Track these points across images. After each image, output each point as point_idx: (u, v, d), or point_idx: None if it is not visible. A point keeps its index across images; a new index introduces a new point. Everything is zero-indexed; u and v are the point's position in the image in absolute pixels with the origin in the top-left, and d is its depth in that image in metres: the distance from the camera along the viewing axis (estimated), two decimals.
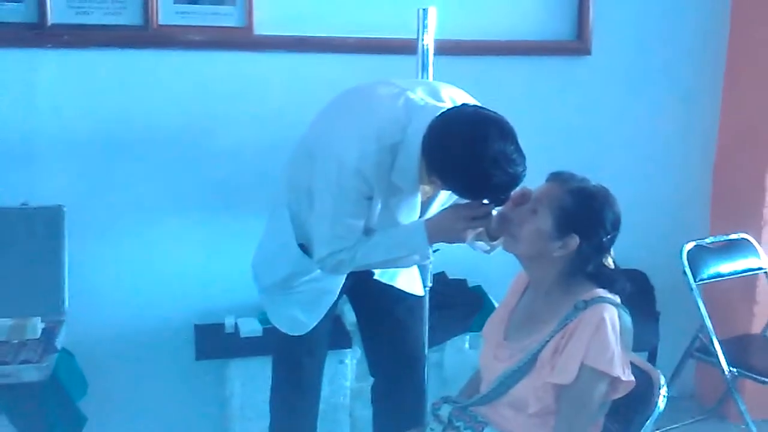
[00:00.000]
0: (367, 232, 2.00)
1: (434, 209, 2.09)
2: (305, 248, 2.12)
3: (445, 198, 2.09)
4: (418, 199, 2.04)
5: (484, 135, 1.76)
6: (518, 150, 1.79)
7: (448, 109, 1.88)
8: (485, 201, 1.88)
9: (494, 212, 1.90)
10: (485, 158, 1.75)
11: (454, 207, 1.98)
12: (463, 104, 1.93)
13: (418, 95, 1.95)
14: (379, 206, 1.98)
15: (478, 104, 1.94)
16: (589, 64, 3.08)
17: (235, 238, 2.75)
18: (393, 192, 1.97)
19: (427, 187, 2.02)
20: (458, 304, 2.89)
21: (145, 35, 2.62)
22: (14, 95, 2.58)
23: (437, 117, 1.85)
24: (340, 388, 2.76)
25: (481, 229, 1.94)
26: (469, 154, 1.77)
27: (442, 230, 1.95)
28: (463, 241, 1.95)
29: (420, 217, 2.06)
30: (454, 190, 1.91)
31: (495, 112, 1.83)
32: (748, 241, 3.07)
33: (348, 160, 1.89)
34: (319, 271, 2.10)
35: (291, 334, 2.25)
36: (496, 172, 1.76)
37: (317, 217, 2.00)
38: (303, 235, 2.12)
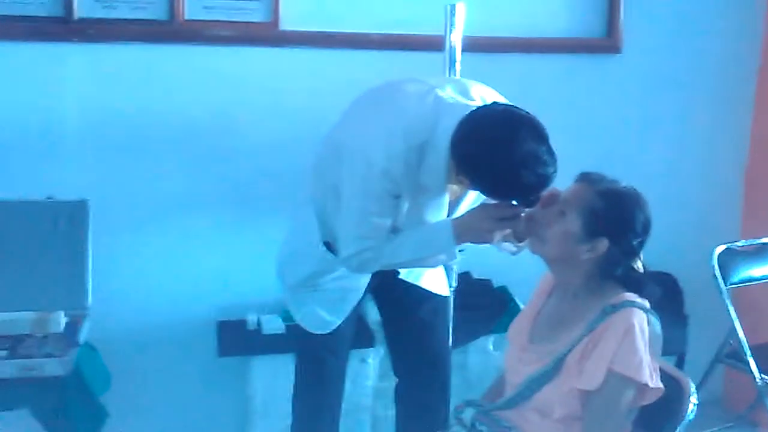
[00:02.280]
0: (394, 231, 1.99)
1: (462, 209, 2.06)
2: (330, 246, 2.11)
3: (473, 198, 2.06)
4: (446, 198, 2.01)
5: (514, 135, 1.74)
6: (549, 151, 1.76)
7: (478, 108, 1.85)
8: (514, 202, 1.85)
9: (523, 213, 1.86)
10: (515, 159, 1.72)
11: (482, 207, 1.95)
12: (494, 103, 1.90)
13: (448, 93, 1.93)
14: (407, 205, 1.96)
15: (509, 103, 1.90)
16: (620, 63, 3.03)
17: (258, 234, 2.74)
18: (420, 191, 1.95)
19: (455, 187, 1.99)
20: (483, 305, 2.86)
21: (171, 30, 2.61)
22: (40, 89, 2.58)
23: (467, 116, 1.82)
24: (362, 388, 2.75)
25: (508, 230, 1.90)
26: (498, 154, 1.74)
27: (469, 230, 1.92)
28: (490, 241, 1.92)
29: (447, 216, 2.04)
30: (483, 191, 1.88)
31: (526, 112, 1.80)
32: None
33: (376, 159, 1.87)
34: (343, 269, 2.08)
35: (315, 332, 2.23)
36: (526, 173, 1.73)
37: (344, 215, 1.99)
38: (328, 233, 2.10)
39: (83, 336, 2.35)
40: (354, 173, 1.93)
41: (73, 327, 2.32)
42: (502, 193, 1.84)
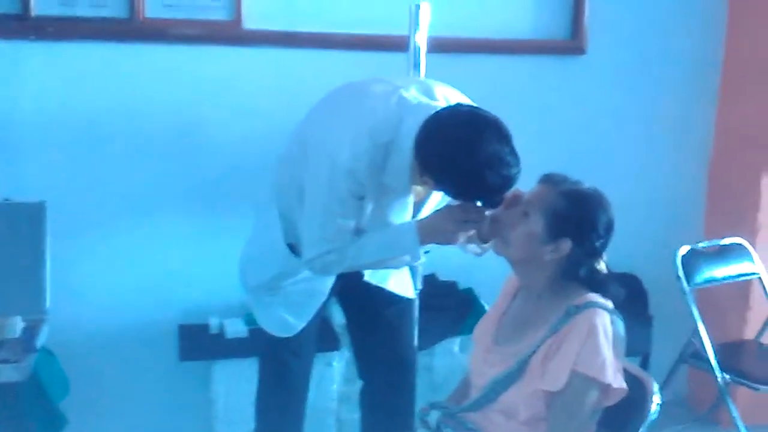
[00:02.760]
0: (358, 232, 1.97)
1: (426, 211, 2.06)
2: (294, 248, 2.09)
3: (437, 200, 2.06)
4: (410, 199, 2.01)
5: (478, 136, 1.74)
6: (513, 152, 1.76)
7: (442, 109, 1.85)
8: (478, 203, 1.84)
9: (487, 214, 1.85)
10: (479, 160, 1.73)
11: (446, 208, 1.94)
12: (458, 104, 1.90)
13: (412, 93, 1.93)
14: (371, 206, 1.94)
15: (473, 104, 1.90)
16: (584, 64, 3.05)
17: (221, 236, 2.71)
18: (385, 192, 1.94)
19: (419, 188, 1.99)
20: (448, 306, 2.86)
21: (131, 28, 2.58)
22: None
23: (431, 116, 1.82)
24: (326, 392, 2.72)
25: (472, 231, 1.90)
26: (462, 155, 1.74)
27: (433, 231, 1.92)
28: (454, 243, 1.93)
29: (412, 218, 2.02)
30: (447, 192, 1.88)
31: (490, 113, 1.80)
32: (742, 245, 3.05)
33: (340, 159, 1.86)
34: (307, 271, 2.06)
35: (279, 335, 2.21)
36: (490, 174, 1.73)
37: (307, 217, 1.97)
38: (292, 235, 2.08)
39: (41, 341, 2.30)
40: (318, 173, 1.91)
41: (30, 332, 2.28)
42: (467, 194, 1.84)
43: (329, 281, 2.17)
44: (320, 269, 2.02)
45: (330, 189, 1.90)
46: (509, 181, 1.76)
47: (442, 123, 1.81)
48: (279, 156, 2.11)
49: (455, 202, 1.91)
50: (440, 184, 1.86)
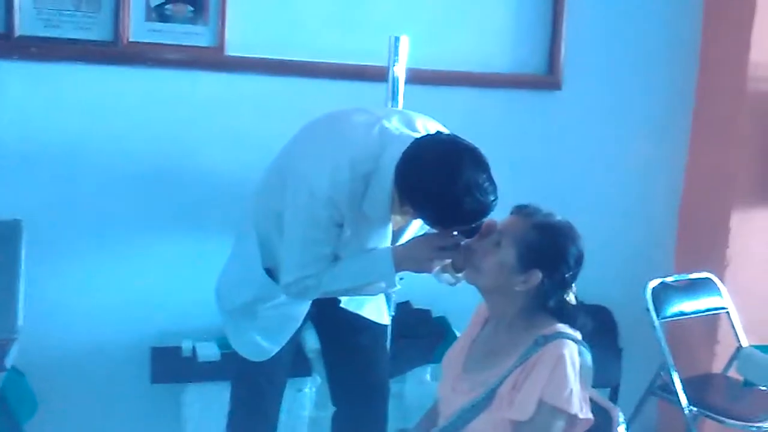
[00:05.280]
0: (336, 259, 1.99)
1: (405, 239, 2.08)
2: (271, 272, 2.10)
3: (416, 229, 2.09)
4: (389, 228, 2.02)
5: (457, 162, 1.77)
6: (490, 179, 1.79)
7: (422, 137, 1.88)
8: (455, 232, 1.87)
9: (461, 243, 1.88)
10: (457, 185, 1.75)
11: (422, 236, 1.97)
12: (437, 132, 1.94)
13: (393, 124, 1.95)
14: (349, 234, 1.96)
15: (452, 133, 1.93)
16: (560, 99, 3.09)
17: (196, 259, 2.70)
18: (364, 220, 1.95)
19: (398, 217, 2.01)
20: (421, 334, 2.86)
21: (115, 51, 2.59)
22: None
23: (410, 144, 1.85)
24: (297, 418, 2.71)
25: (448, 260, 1.92)
26: (441, 181, 1.76)
27: (409, 258, 1.94)
28: (429, 271, 1.94)
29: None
30: (425, 218, 1.91)
31: (468, 141, 1.83)
32: (711, 280, 3.10)
33: (320, 188, 1.88)
34: (283, 296, 2.07)
35: (252, 359, 2.21)
36: (468, 200, 1.75)
37: (286, 243, 1.99)
38: (270, 259, 2.10)
39: (11, 360, 2.28)
40: (297, 201, 1.93)
41: (0, 351, 2.25)
42: (445, 221, 1.86)
43: (305, 307, 2.18)
44: (297, 294, 2.03)
45: (309, 217, 1.91)
46: (487, 207, 1.79)
47: (421, 150, 1.83)
48: (260, 181, 2.12)
49: (433, 232, 1.94)
50: (419, 211, 1.89)
